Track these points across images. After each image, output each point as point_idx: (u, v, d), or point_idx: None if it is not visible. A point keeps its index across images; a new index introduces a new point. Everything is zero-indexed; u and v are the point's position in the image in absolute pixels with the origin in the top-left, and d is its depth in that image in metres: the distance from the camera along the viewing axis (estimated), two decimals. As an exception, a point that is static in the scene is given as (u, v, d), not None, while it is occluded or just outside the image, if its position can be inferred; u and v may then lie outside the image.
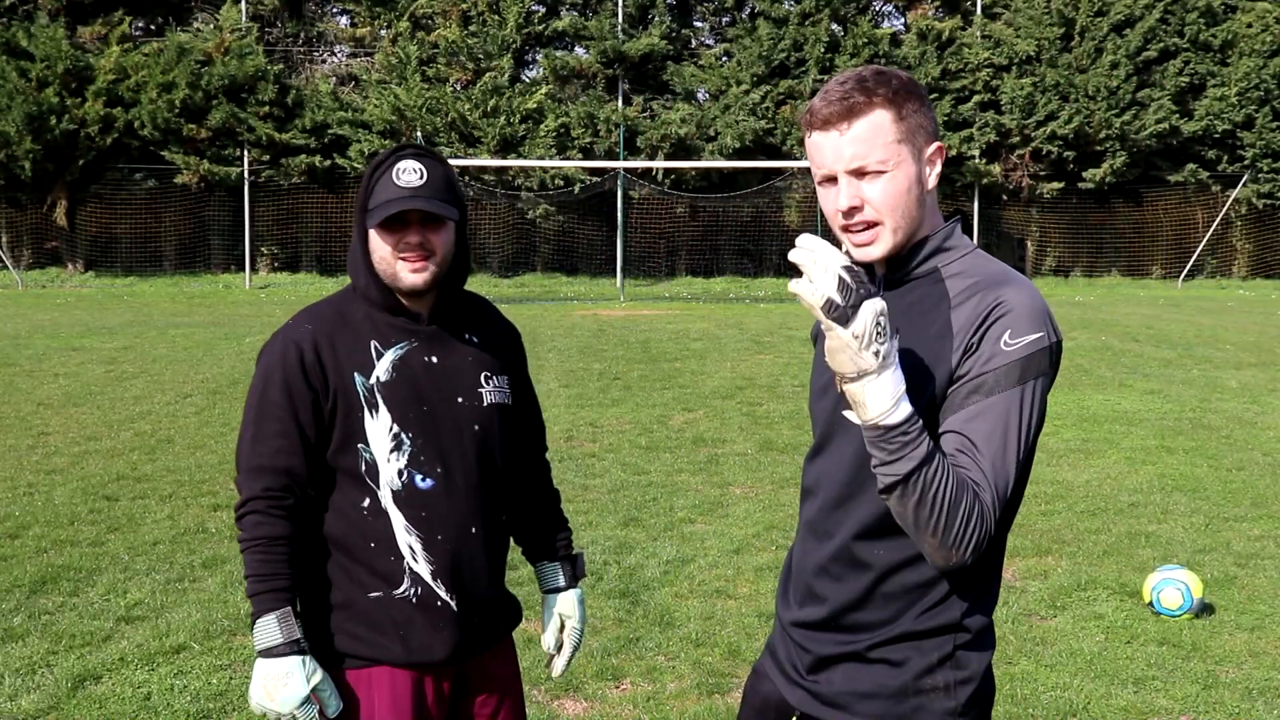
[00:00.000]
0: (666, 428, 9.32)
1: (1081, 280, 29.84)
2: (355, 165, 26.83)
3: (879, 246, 1.88)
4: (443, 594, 2.28)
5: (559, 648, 2.59)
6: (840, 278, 1.69)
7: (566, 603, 2.58)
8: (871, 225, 1.86)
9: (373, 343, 2.29)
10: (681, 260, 29.68)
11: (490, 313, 2.50)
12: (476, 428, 2.34)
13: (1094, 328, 17.38)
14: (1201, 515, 6.76)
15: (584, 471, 7.78)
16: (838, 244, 1.89)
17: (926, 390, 1.83)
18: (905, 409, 1.73)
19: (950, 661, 1.89)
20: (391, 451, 2.26)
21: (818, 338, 2.06)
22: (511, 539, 2.55)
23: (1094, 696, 4.26)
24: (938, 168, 1.90)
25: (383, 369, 2.28)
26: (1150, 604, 5.09)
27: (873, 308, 1.70)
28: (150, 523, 6.46)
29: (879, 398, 1.72)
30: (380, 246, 2.27)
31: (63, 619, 4.93)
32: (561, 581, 2.59)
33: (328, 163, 27.09)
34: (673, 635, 4.77)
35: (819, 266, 1.70)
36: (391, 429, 2.26)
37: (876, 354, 1.71)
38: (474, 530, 2.32)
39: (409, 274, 2.26)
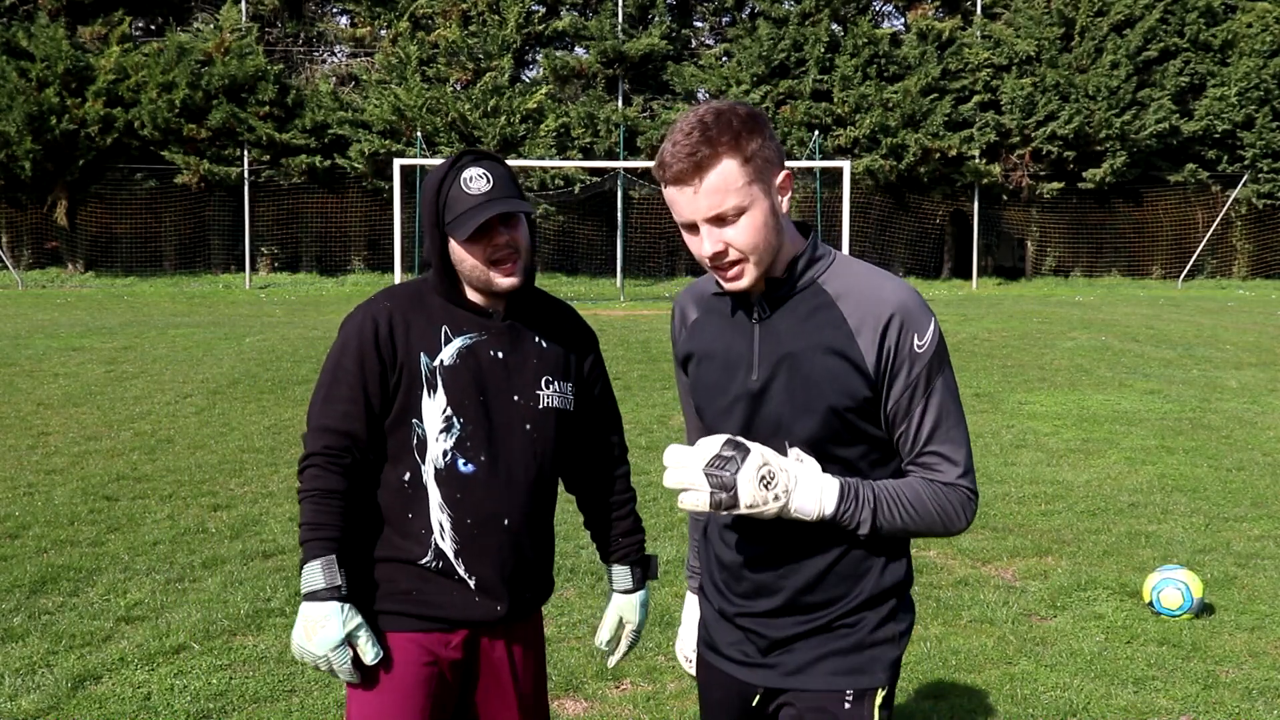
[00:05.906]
0: (666, 428, 9.32)
1: (1081, 280, 29.82)
2: (355, 165, 26.82)
3: (746, 279, 2.02)
4: (461, 572, 2.38)
5: (614, 646, 2.68)
6: (708, 476, 1.89)
7: (629, 606, 2.66)
8: (737, 263, 2.00)
9: (444, 327, 2.39)
10: (681, 260, 29.68)
11: (570, 319, 2.57)
12: (528, 427, 2.42)
13: (1094, 328, 17.37)
14: (1201, 515, 6.76)
15: (584, 471, 7.77)
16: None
17: (840, 394, 2.02)
18: (832, 496, 1.96)
19: (893, 619, 2.14)
20: (441, 431, 2.36)
21: (685, 360, 2.22)
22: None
23: (1094, 696, 4.26)
24: (788, 194, 2.03)
25: (448, 353, 2.38)
26: (1150, 604, 5.09)
27: (748, 475, 1.90)
28: (150, 523, 6.46)
29: (807, 509, 1.96)
30: (468, 258, 2.35)
31: (63, 619, 4.93)
32: (628, 584, 2.66)
33: (328, 163, 27.08)
34: (673, 635, 4.75)
35: (690, 481, 1.90)
36: (445, 410, 2.36)
37: (777, 498, 1.92)
38: (506, 522, 2.39)
39: (503, 278, 2.37)
